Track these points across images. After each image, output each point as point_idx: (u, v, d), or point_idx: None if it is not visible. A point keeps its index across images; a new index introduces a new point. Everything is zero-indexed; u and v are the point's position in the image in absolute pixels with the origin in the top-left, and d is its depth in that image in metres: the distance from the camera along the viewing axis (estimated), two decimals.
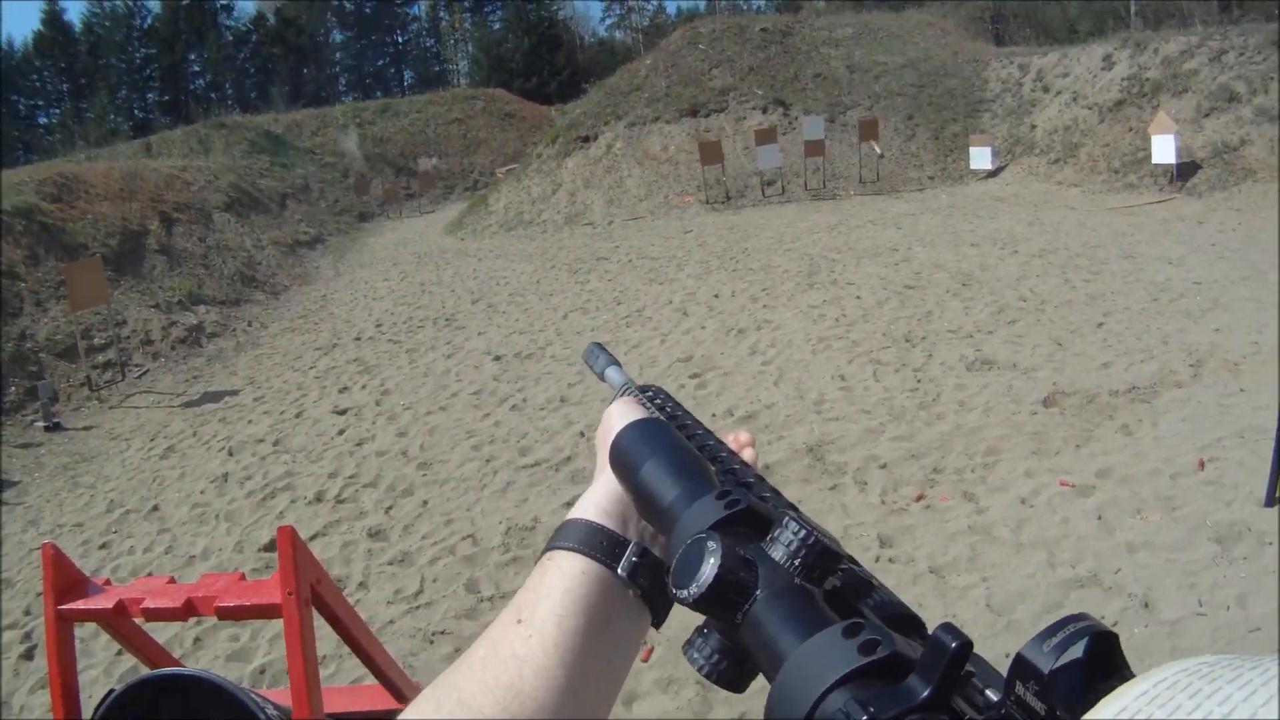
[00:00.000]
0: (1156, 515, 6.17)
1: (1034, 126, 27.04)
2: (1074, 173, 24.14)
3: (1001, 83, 29.99)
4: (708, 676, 0.69)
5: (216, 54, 76.29)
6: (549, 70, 72.76)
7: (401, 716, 0.77)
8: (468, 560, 6.48)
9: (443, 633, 5.69)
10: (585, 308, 14.46)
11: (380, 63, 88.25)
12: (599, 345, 1.30)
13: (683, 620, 0.72)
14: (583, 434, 8.51)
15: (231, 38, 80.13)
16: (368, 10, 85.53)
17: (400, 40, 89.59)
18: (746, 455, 0.99)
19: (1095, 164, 23.87)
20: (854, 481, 7.11)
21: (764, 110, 28.69)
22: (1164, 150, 21.04)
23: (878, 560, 5.93)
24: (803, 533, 0.66)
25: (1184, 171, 21.44)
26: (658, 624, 0.89)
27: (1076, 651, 0.47)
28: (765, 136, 24.63)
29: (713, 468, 0.89)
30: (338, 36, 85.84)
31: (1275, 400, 6.30)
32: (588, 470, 7.43)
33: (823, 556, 0.65)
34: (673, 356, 10.92)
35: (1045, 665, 0.47)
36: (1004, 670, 0.52)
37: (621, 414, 0.97)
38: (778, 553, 0.66)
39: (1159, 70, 25.26)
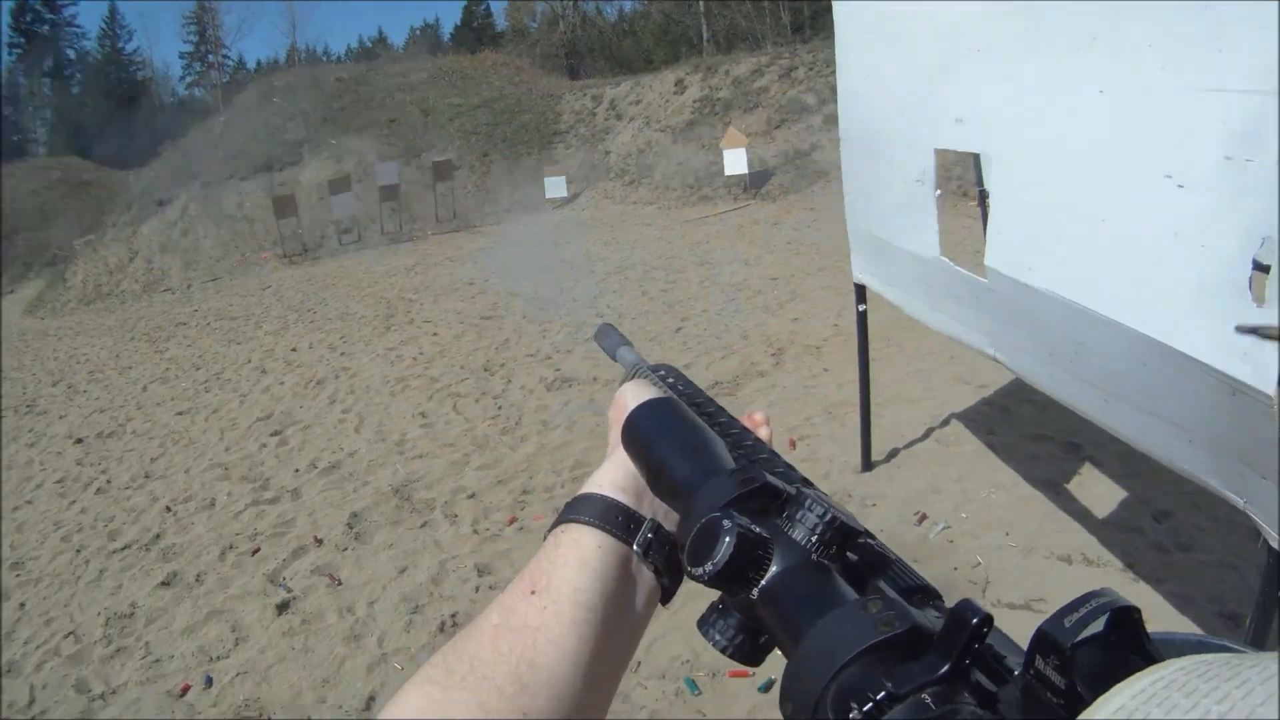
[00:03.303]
0: None
1: (608, 153, 27.97)
2: (649, 192, 25.16)
3: (575, 114, 30.81)
4: (724, 652, 0.69)
5: None
6: (129, 135, 69.60)
7: (411, 681, 0.75)
8: (73, 659, 5.96)
9: None
10: (165, 377, 13.78)
11: None
12: (610, 325, 1.30)
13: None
14: (169, 508, 8.05)
15: None
16: None
17: None
18: (762, 434, 0.99)
19: (670, 182, 24.92)
20: (444, 516, 6.99)
21: (339, 159, 28.22)
22: (736, 162, 22.37)
23: (478, 590, 5.82)
24: (820, 509, 0.67)
25: (758, 180, 22.78)
26: (666, 601, 0.90)
27: (1098, 626, 0.47)
28: (339, 185, 24.49)
29: (725, 444, 0.89)
30: None
31: (856, 375, 6.56)
32: (178, 546, 7.12)
33: (840, 533, 0.66)
34: (253, 416, 10.52)
35: (1066, 640, 0.47)
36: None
37: (635, 393, 0.97)
38: (796, 530, 0.67)
39: (730, 90, 26.59)
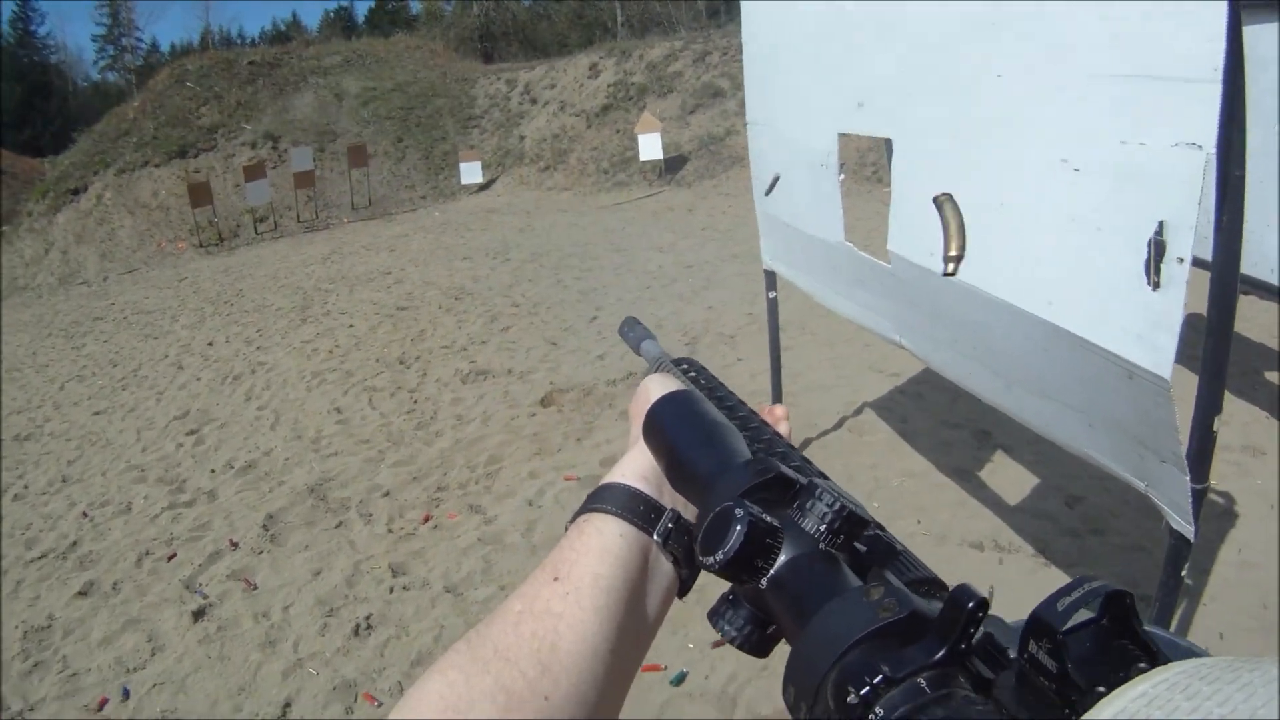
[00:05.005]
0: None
1: (523, 137, 27.86)
2: (564, 177, 25.14)
3: (490, 98, 30.63)
4: (733, 643, 0.70)
5: None
6: (42, 120, 68.04)
7: (434, 667, 0.75)
8: None
9: None
10: (82, 375, 13.41)
11: None
12: (634, 319, 1.34)
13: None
14: (86, 514, 7.86)
15: None
16: None
17: None
18: (782, 428, 1.03)
19: (585, 167, 24.89)
20: (359, 515, 6.90)
21: (253, 145, 27.88)
22: (650, 148, 22.33)
23: (392, 591, 5.77)
24: (830, 499, 0.68)
25: (673, 165, 22.78)
26: (683, 593, 0.91)
27: (1090, 611, 0.49)
28: (254, 172, 24.05)
29: (744, 438, 0.90)
30: None
31: (768, 364, 6.57)
32: (95, 553, 6.97)
33: (849, 523, 0.67)
34: (169, 415, 10.28)
35: (1058, 624, 0.48)
36: None
37: (656, 386, 1.00)
38: (806, 520, 0.68)
39: (644, 74, 26.59)
